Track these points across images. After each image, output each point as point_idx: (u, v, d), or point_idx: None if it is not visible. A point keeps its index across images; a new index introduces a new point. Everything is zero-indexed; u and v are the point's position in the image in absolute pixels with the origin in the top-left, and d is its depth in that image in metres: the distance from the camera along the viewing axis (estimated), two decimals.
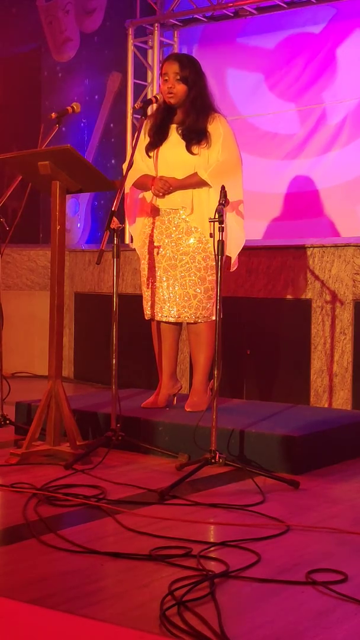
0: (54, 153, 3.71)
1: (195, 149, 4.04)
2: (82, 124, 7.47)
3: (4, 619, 1.95)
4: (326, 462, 3.72)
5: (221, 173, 3.98)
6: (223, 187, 3.45)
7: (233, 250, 4.16)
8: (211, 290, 4.08)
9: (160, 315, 4.17)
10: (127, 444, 3.75)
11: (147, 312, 4.22)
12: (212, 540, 2.68)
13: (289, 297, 5.35)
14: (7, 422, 4.24)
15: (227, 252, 4.12)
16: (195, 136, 4.04)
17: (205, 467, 3.37)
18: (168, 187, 4.03)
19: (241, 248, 4.19)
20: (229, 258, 4.17)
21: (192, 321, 4.14)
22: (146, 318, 4.25)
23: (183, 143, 4.06)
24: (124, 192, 4.02)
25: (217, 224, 3.39)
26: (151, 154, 4.14)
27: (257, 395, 5.43)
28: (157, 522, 2.79)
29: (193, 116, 4.06)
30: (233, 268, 4.23)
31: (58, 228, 3.79)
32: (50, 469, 3.54)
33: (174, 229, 4.11)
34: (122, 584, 2.24)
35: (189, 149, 4.04)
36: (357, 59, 6.23)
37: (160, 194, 4.05)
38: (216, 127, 4.05)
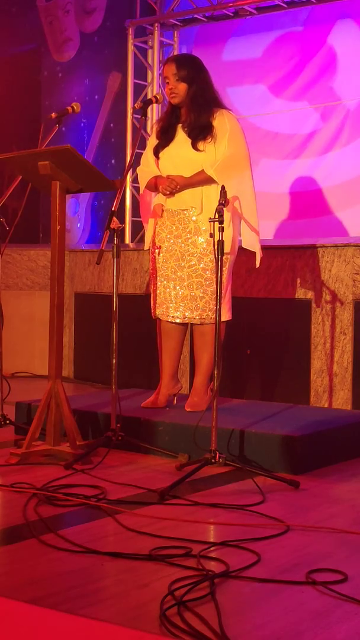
0: (54, 153, 3.71)
1: (201, 145, 4.04)
2: (82, 124, 7.47)
3: (4, 619, 1.95)
4: (326, 462, 3.72)
5: (227, 168, 3.97)
6: (223, 187, 3.45)
7: (254, 245, 4.16)
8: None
9: (166, 315, 4.17)
10: (127, 444, 3.75)
11: (154, 311, 4.22)
12: (212, 540, 2.68)
13: (289, 297, 5.35)
14: (7, 422, 4.24)
15: (249, 247, 4.16)
16: (200, 132, 4.04)
17: (206, 467, 3.37)
18: (175, 185, 4.03)
19: (258, 242, 4.18)
20: (253, 254, 4.18)
21: (198, 322, 4.14)
22: (153, 317, 4.25)
23: (189, 141, 4.06)
24: (124, 192, 4.02)
25: (217, 223, 3.39)
26: (159, 155, 4.15)
27: (257, 395, 5.43)
28: (157, 522, 2.80)
29: (195, 112, 4.06)
30: (258, 264, 4.23)
31: (58, 228, 3.79)
32: (50, 469, 3.54)
33: (183, 229, 4.12)
34: (122, 584, 2.24)
35: (194, 145, 4.04)
36: (357, 57, 6.23)
37: (167, 192, 4.06)
38: (222, 122, 4.05)
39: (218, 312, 3.49)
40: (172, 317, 4.16)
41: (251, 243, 4.17)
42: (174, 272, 4.14)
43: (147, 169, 4.20)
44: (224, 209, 3.40)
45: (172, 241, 4.14)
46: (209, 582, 2.21)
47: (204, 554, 2.46)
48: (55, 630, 1.91)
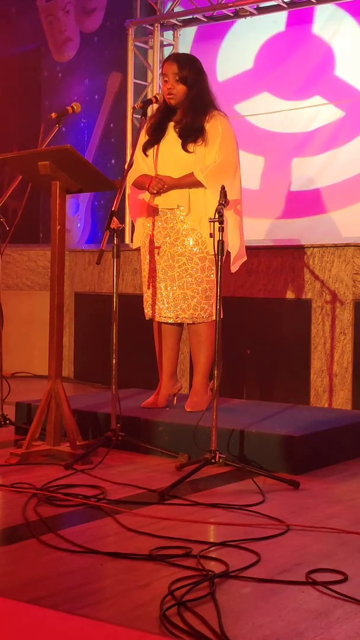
0: (54, 153, 3.71)
1: (191, 146, 4.04)
2: (82, 124, 7.47)
3: (4, 619, 1.95)
4: (326, 462, 3.72)
5: (217, 175, 3.97)
6: (223, 187, 3.45)
7: (232, 247, 4.15)
8: (209, 290, 4.09)
9: (159, 316, 4.17)
10: (127, 444, 3.75)
11: (147, 312, 4.23)
12: (212, 540, 2.67)
13: (289, 297, 5.35)
14: (7, 422, 4.24)
15: (227, 248, 4.14)
16: (192, 134, 4.04)
17: (205, 467, 3.37)
18: (162, 185, 4.03)
19: (239, 246, 4.18)
20: (229, 255, 4.17)
21: (190, 322, 4.14)
22: (146, 318, 4.26)
23: (179, 141, 4.06)
24: (124, 192, 4.02)
25: (217, 223, 3.39)
26: (149, 152, 4.15)
27: (257, 395, 5.43)
28: (157, 522, 2.79)
29: (191, 115, 4.06)
30: (234, 269, 4.22)
31: (58, 228, 3.79)
32: (50, 469, 3.54)
33: (171, 229, 4.12)
34: (122, 584, 2.24)
35: (184, 147, 4.04)
36: (355, 56, 6.22)
37: (154, 191, 4.06)
38: (214, 126, 4.05)
39: (218, 312, 3.49)
40: (165, 317, 4.16)
41: (235, 248, 4.16)
42: (165, 272, 4.14)
43: (135, 166, 4.19)
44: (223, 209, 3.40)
45: (161, 241, 4.14)
46: (208, 582, 2.21)
47: (204, 554, 2.46)
48: (55, 631, 1.90)
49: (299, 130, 6.50)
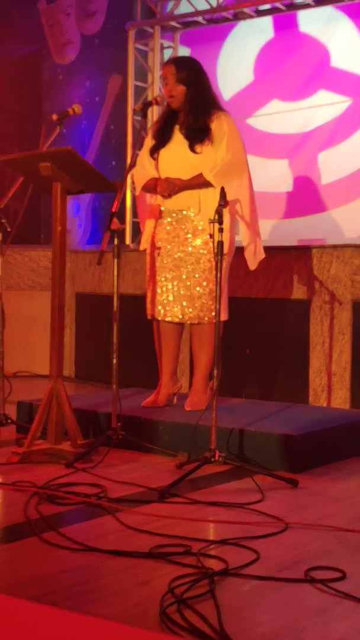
0: (55, 154, 3.73)
1: (198, 147, 4.06)
2: (82, 126, 7.49)
3: (5, 617, 1.97)
4: (325, 460, 3.74)
5: (226, 174, 3.99)
6: (223, 189, 3.46)
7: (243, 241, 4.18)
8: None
9: (164, 315, 4.18)
10: (127, 442, 3.77)
11: (151, 311, 4.24)
12: (211, 538, 2.69)
13: (288, 297, 5.36)
14: (9, 421, 4.26)
15: (250, 251, 4.18)
16: (198, 134, 4.06)
17: (205, 466, 3.38)
18: (173, 187, 4.06)
19: (255, 243, 4.20)
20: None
21: (196, 322, 4.15)
22: (149, 317, 4.27)
23: (186, 143, 4.08)
24: (124, 193, 4.04)
25: (217, 224, 3.40)
26: (155, 156, 4.17)
27: (257, 394, 5.44)
28: (157, 520, 2.81)
29: (193, 115, 4.08)
30: (253, 267, 4.25)
31: (59, 229, 3.81)
32: (51, 467, 3.55)
33: (181, 229, 4.13)
34: (123, 582, 2.25)
35: (192, 148, 4.06)
36: (352, 56, 6.24)
37: (166, 194, 4.08)
38: (220, 125, 4.06)
39: (218, 312, 3.51)
40: (171, 317, 4.18)
41: (252, 246, 4.19)
42: (171, 271, 4.16)
43: (143, 170, 4.21)
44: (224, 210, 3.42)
45: (169, 242, 4.16)
46: (208, 580, 2.22)
47: (203, 551, 2.48)
48: (56, 628, 1.92)
49: (296, 130, 6.50)
